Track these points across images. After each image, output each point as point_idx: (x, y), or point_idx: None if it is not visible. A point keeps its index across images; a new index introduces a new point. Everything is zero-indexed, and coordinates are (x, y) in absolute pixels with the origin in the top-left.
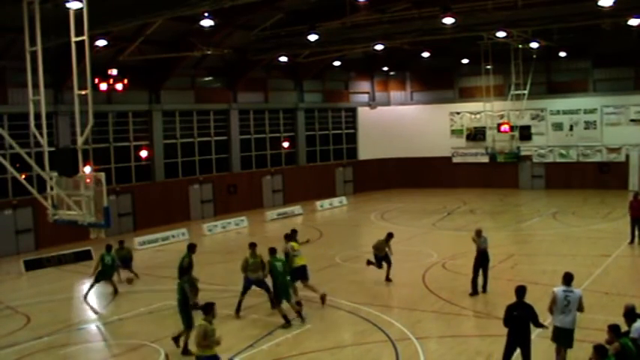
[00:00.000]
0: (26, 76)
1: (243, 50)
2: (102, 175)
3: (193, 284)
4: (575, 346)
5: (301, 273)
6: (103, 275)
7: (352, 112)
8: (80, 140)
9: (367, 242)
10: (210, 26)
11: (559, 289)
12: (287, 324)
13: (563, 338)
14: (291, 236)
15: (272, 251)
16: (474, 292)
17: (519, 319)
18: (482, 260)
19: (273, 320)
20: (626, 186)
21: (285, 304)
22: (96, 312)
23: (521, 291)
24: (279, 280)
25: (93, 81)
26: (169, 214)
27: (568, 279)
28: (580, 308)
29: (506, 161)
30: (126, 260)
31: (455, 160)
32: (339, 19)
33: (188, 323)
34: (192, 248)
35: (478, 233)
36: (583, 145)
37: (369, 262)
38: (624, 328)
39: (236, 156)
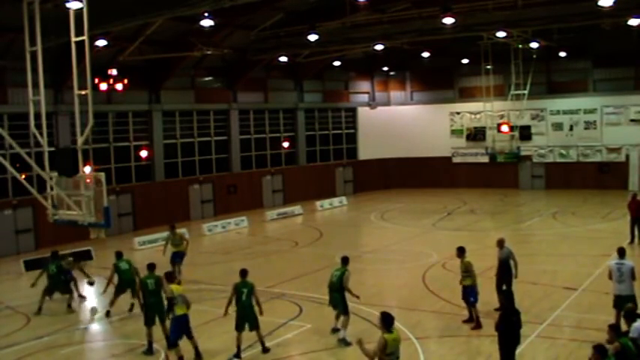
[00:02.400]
0: (26, 76)
1: (243, 50)
2: (102, 175)
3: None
4: (575, 346)
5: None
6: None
7: (352, 112)
8: (80, 140)
9: (367, 242)
10: (210, 26)
11: (612, 262)
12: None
13: (623, 303)
14: (171, 276)
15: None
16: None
17: (516, 323)
18: (502, 273)
19: (273, 320)
20: (626, 186)
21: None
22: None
23: (511, 296)
24: (149, 301)
25: (93, 81)
26: (169, 214)
27: (621, 252)
28: (633, 277)
29: (506, 161)
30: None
31: (455, 160)
32: (339, 19)
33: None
34: (152, 268)
35: (499, 243)
36: (583, 145)
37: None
38: (624, 328)
39: (236, 156)
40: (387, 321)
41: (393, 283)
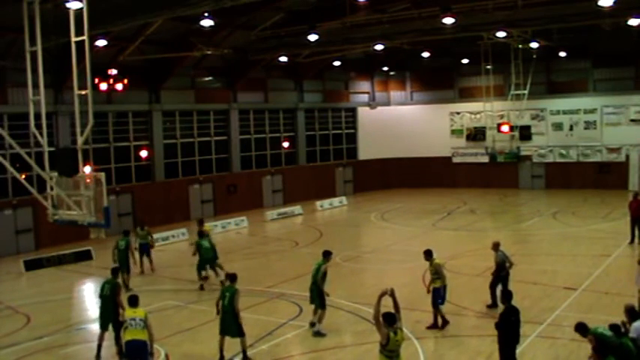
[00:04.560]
0: (26, 76)
1: (243, 50)
2: (102, 175)
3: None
4: (575, 346)
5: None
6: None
7: (352, 112)
8: (80, 140)
9: (367, 242)
10: (210, 26)
11: None
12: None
13: None
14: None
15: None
16: (491, 304)
17: (515, 323)
18: (498, 274)
19: (273, 320)
20: (626, 186)
21: None
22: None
23: (510, 295)
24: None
25: (93, 81)
26: (169, 214)
27: None
28: None
29: (506, 161)
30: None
31: (455, 160)
32: (339, 19)
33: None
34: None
35: (494, 246)
36: (583, 145)
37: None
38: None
39: (236, 156)
40: (386, 320)
41: (393, 283)
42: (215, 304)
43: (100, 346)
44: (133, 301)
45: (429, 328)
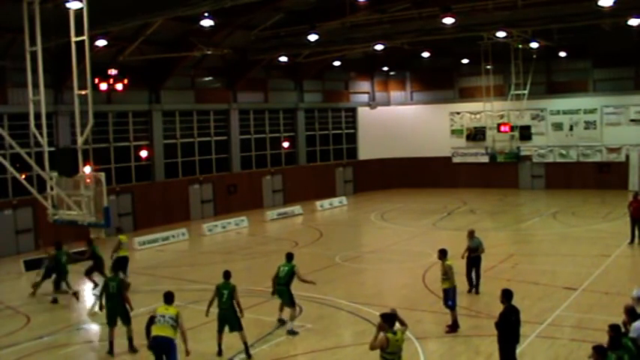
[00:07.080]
0: (26, 76)
1: (243, 50)
2: (102, 175)
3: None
4: (575, 346)
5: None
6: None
7: (352, 112)
8: (80, 140)
9: (367, 242)
10: (210, 26)
11: None
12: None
13: None
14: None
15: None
16: (470, 289)
17: (515, 323)
18: (471, 260)
19: (273, 320)
20: (626, 186)
21: None
22: None
23: (511, 295)
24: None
25: (93, 81)
26: (169, 214)
27: None
28: None
29: (506, 161)
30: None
31: (455, 160)
32: (339, 19)
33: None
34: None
35: (470, 234)
36: (583, 145)
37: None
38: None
39: (236, 156)
40: (386, 321)
41: (393, 283)
42: (207, 305)
43: (111, 343)
44: (168, 299)
45: (447, 332)
